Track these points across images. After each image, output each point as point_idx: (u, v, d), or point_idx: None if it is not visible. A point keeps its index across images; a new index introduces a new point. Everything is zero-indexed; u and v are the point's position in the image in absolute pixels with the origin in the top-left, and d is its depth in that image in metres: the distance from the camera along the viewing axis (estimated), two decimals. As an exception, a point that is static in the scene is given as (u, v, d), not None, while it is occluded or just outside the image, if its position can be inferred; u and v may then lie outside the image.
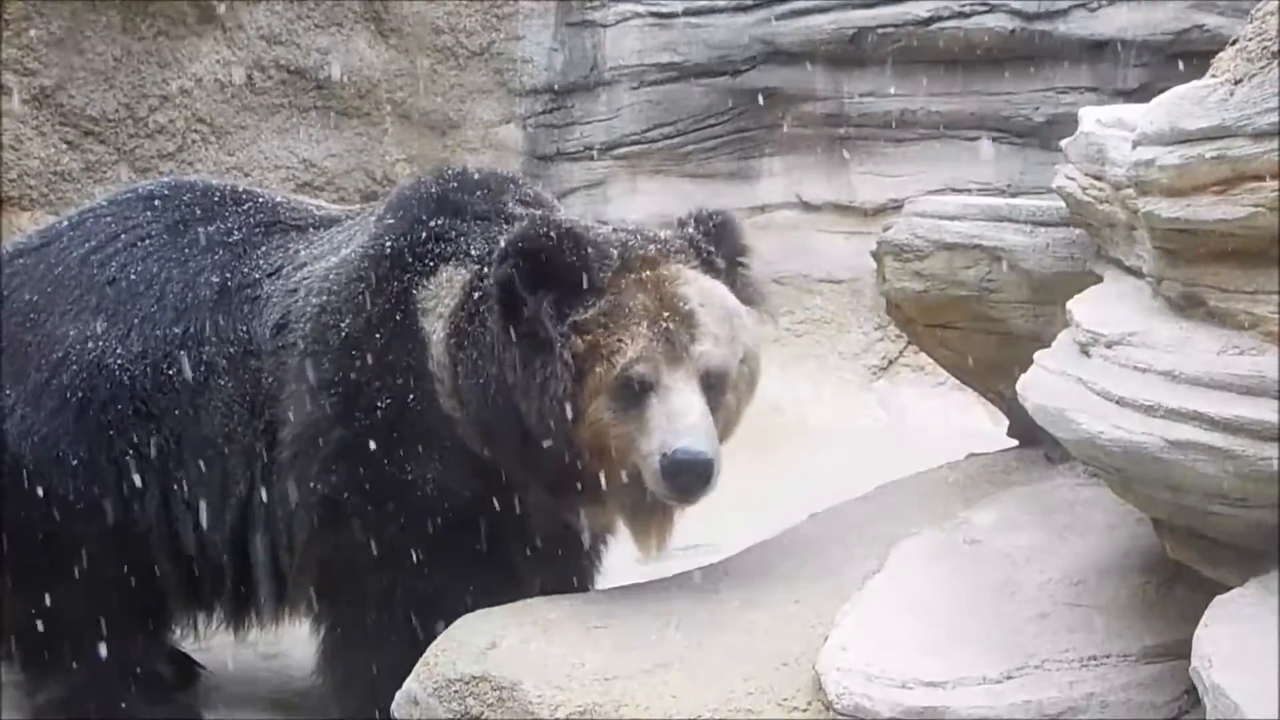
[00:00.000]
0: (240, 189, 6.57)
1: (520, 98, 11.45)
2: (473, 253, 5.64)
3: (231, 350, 5.94)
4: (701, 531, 8.17)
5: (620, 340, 5.18)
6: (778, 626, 4.68)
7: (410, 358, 5.56)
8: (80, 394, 5.97)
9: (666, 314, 5.25)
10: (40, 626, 5.98)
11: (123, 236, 6.22)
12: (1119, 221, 4.59)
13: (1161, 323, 4.03)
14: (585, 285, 5.25)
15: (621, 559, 7.20)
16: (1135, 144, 4.03)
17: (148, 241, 6.20)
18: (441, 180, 5.95)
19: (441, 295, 5.62)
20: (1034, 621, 4.38)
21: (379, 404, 5.54)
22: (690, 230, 5.76)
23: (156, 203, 6.33)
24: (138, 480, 5.93)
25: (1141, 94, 10.77)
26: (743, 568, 5.36)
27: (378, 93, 10.83)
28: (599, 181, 11.82)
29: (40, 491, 5.89)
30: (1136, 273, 4.41)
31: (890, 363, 11.90)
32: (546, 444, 5.23)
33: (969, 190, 10.82)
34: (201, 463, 5.88)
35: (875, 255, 5.96)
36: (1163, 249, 4.03)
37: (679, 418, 5.11)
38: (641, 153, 11.94)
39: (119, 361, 5.99)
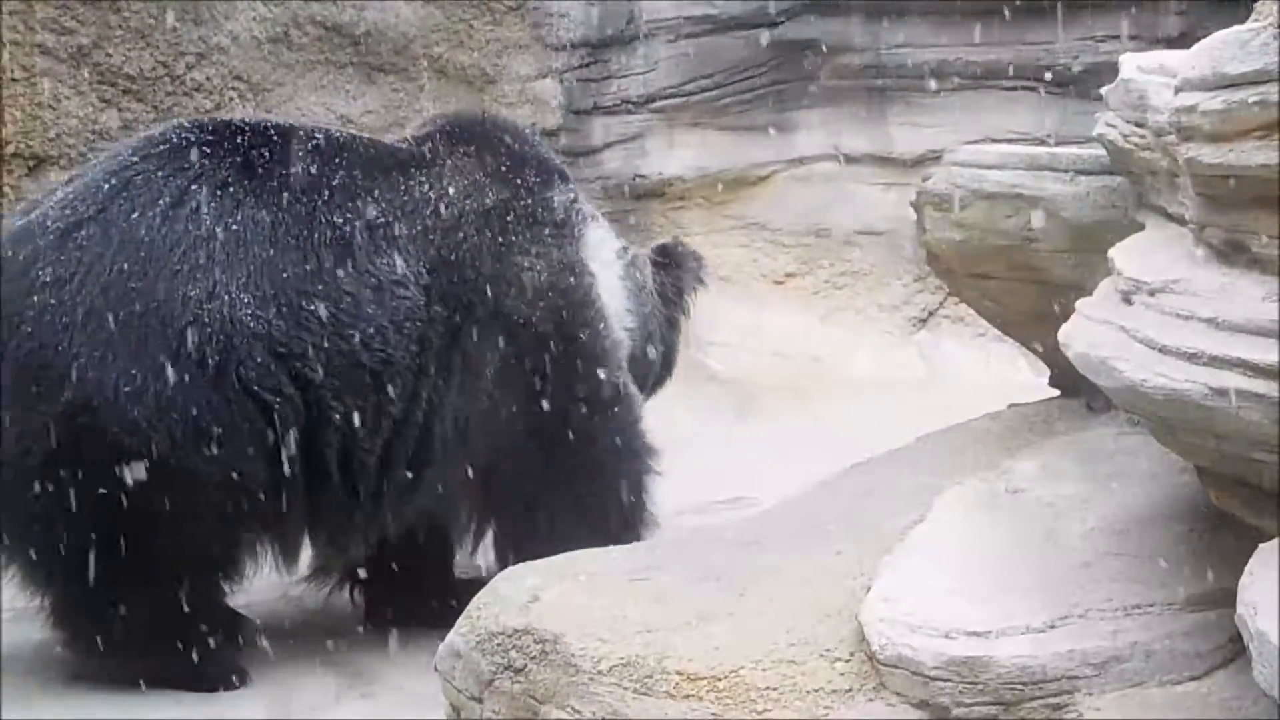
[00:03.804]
0: (273, 122, 6.82)
1: (557, 52, 11.41)
2: (587, 212, 7.19)
3: (375, 282, 6.37)
4: (742, 484, 8.24)
5: None
6: (820, 578, 4.68)
7: (589, 296, 6.91)
8: (217, 356, 6.07)
9: None
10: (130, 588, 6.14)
11: (198, 188, 6.24)
12: (1160, 169, 4.57)
13: (1204, 270, 4.01)
14: None
15: (662, 512, 7.25)
16: (1177, 90, 4.00)
17: (232, 189, 6.28)
18: (523, 138, 7.22)
19: (598, 253, 7.07)
20: (1077, 570, 4.37)
21: (580, 335, 6.79)
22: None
23: (206, 149, 6.36)
24: (279, 422, 6.20)
25: (1182, 41, 10.66)
26: (784, 520, 5.36)
27: (414, 48, 10.81)
28: (636, 135, 11.79)
29: (177, 464, 6.02)
30: (1179, 220, 4.38)
31: (930, 314, 11.88)
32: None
33: (1008, 140, 10.77)
34: (351, 391, 6.30)
35: (914, 206, 5.94)
36: (1205, 195, 4.00)
37: None
38: (679, 106, 11.90)
39: (249, 310, 6.12)
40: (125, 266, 6.08)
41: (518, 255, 6.74)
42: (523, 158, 7.04)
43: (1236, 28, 3.95)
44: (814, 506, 5.42)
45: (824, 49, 12.00)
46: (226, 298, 6.12)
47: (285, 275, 6.23)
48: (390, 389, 6.37)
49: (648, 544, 6.01)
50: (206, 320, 6.08)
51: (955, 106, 12.01)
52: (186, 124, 6.63)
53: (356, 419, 6.33)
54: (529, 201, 6.88)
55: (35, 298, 6.04)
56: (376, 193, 6.51)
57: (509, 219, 6.77)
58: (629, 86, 11.76)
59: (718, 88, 11.98)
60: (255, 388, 6.15)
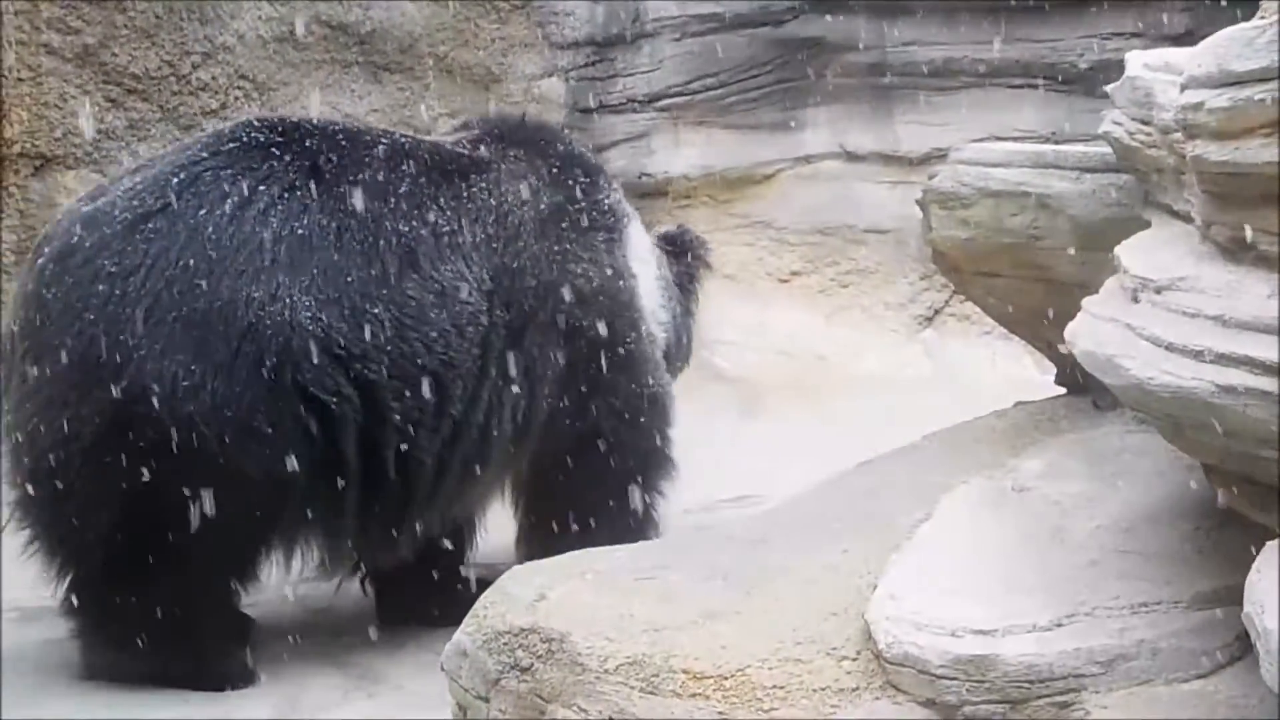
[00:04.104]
0: (341, 125, 7.00)
1: (562, 50, 11.42)
2: (628, 211, 7.48)
3: (439, 288, 6.50)
4: (748, 483, 8.24)
5: None
6: (826, 576, 4.68)
7: (634, 298, 7.24)
8: (274, 358, 6.13)
9: None
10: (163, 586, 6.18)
11: (265, 189, 6.32)
12: (1167, 166, 4.56)
13: (1210, 267, 4.00)
14: None
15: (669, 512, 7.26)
16: (1183, 87, 3.99)
17: (299, 192, 6.37)
18: (564, 139, 7.62)
19: (639, 252, 7.39)
20: (1084, 569, 4.37)
21: (627, 338, 7.10)
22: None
23: (275, 149, 6.44)
24: (337, 423, 6.29)
25: (1187, 39, 10.67)
26: (790, 518, 5.36)
27: (419, 47, 10.81)
28: (642, 134, 11.78)
29: (225, 461, 6.07)
30: (1185, 217, 4.38)
31: (936, 312, 11.87)
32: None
33: (1014, 138, 10.76)
34: (412, 393, 6.40)
35: (920, 204, 5.93)
36: (1211, 193, 4.00)
37: None
38: (684, 104, 11.89)
39: (310, 313, 6.18)
40: (190, 263, 6.13)
41: (573, 262, 6.97)
42: (570, 159, 7.32)
43: (1242, 25, 3.95)
44: (820, 505, 5.42)
45: (829, 47, 12.00)
46: (289, 300, 6.18)
47: (349, 280, 6.31)
48: (451, 391, 6.50)
49: (654, 543, 6.02)
50: (268, 322, 6.14)
51: (961, 104, 12.00)
52: (256, 122, 6.69)
53: (417, 420, 6.44)
54: (582, 204, 7.15)
55: (101, 286, 6.09)
56: (441, 200, 6.64)
57: (564, 225, 7.02)
58: (634, 85, 11.75)
59: (723, 86, 11.96)
60: (312, 389, 6.21)
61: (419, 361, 6.40)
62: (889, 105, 12.15)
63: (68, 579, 6.38)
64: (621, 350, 7.06)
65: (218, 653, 6.37)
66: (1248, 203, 3.85)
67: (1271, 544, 3.73)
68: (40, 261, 6.27)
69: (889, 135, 12.14)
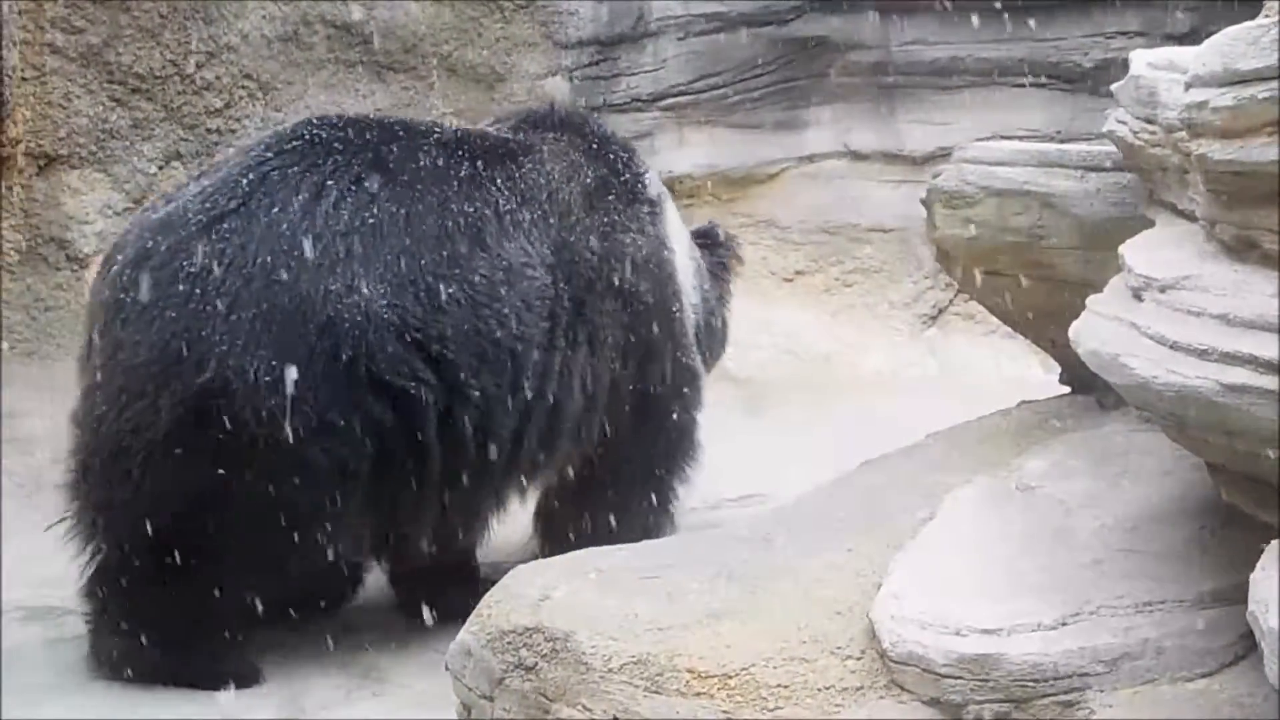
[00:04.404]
0: (394, 119, 7.51)
1: (566, 50, 11.41)
2: (662, 189, 7.78)
3: (506, 264, 6.66)
4: (754, 481, 8.24)
5: None
6: (831, 575, 4.68)
7: (675, 271, 7.50)
8: (351, 350, 6.26)
9: None
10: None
11: (333, 183, 6.46)
12: (1171, 165, 4.56)
13: (1215, 266, 4.00)
14: None
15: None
16: (1188, 86, 3.99)
17: (366, 183, 6.52)
18: (595, 121, 7.93)
19: (674, 229, 7.65)
20: (1088, 568, 4.36)
21: (673, 307, 7.41)
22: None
23: (338, 145, 6.61)
24: (417, 408, 6.40)
25: (1191, 38, 10.66)
26: (795, 517, 5.36)
27: (423, 46, 10.82)
28: (646, 133, 11.76)
29: (302, 453, 6.17)
30: (1189, 216, 4.38)
31: (941, 311, 11.86)
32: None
33: (1019, 137, 10.76)
34: (489, 370, 6.56)
35: (925, 203, 5.94)
36: (1216, 192, 4.00)
37: None
38: (688, 103, 11.89)
39: (385, 301, 6.34)
40: (267, 260, 6.23)
41: (622, 233, 7.22)
42: (605, 138, 7.62)
43: (1247, 24, 3.95)
44: (825, 504, 5.42)
45: (834, 46, 12.00)
46: (365, 290, 6.30)
47: (423, 263, 6.45)
48: (525, 366, 6.65)
49: (659, 542, 6.01)
50: (345, 315, 6.25)
51: (965, 103, 11.99)
52: (316, 121, 6.85)
53: (493, 398, 6.58)
54: (626, 178, 7.43)
55: (180, 286, 6.18)
56: (499, 181, 6.82)
57: (611, 198, 7.27)
58: (638, 84, 11.74)
59: (727, 85, 11.96)
60: (388, 378, 6.32)
61: (494, 338, 6.55)
62: (893, 104, 12.14)
63: (103, 566, 6.40)
64: (669, 318, 7.35)
65: (227, 651, 6.42)
66: (1252, 202, 3.85)
67: (1275, 543, 3.73)
68: (115, 269, 6.36)
69: (893, 134, 12.13)
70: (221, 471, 6.08)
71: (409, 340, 6.36)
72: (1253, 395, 3.61)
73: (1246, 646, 4.00)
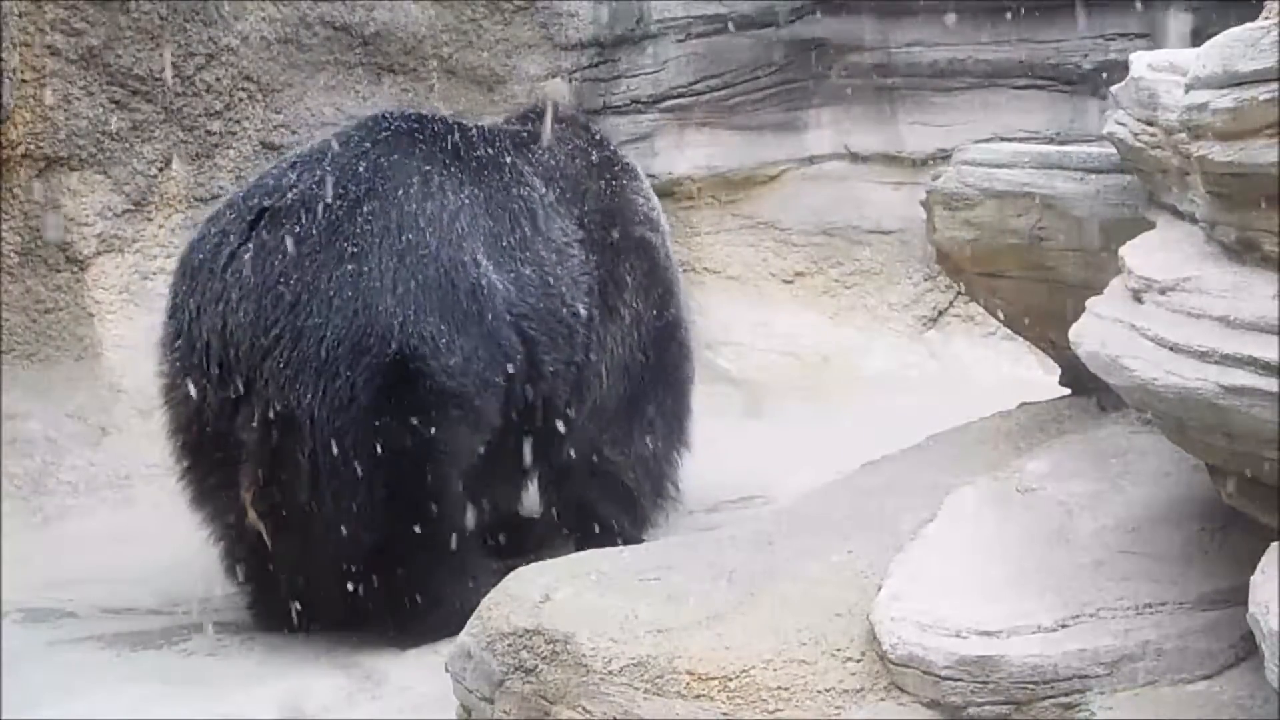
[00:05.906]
0: (443, 114, 8.29)
1: (566, 51, 11.40)
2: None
3: (555, 244, 7.27)
4: (753, 483, 8.24)
5: None
6: (831, 576, 4.69)
7: (661, 226, 8.15)
8: (491, 313, 6.78)
9: None
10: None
11: (430, 169, 6.92)
12: (1171, 167, 4.56)
13: (1215, 268, 4.01)
14: None
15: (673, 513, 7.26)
16: (1188, 88, 4.00)
17: (452, 169, 7.03)
18: (580, 114, 8.90)
19: (650, 191, 8.29)
20: (1089, 569, 4.37)
21: (672, 254, 8.17)
22: None
23: (420, 136, 7.11)
24: (518, 376, 6.94)
25: (1192, 40, 10.68)
26: (795, 519, 5.36)
27: (423, 48, 10.80)
28: (646, 135, 11.76)
29: (480, 408, 6.75)
30: (1190, 218, 4.38)
31: (940, 313, 11.86)
32: None
33: (1019, 138, 10.75)
34: (556, 343, 7.12)
35: (925, 205, 5.94)
36: (1216, 193, 4.00)
37: None
38: (689, 105, 11.88)
39: (497, 275, 6.88)
40: (410, 238, 6.65)
41: (629, 192, 7.92)
42: (594, 129, 8.41)
43: (1247, 25, 3.96)
44: (825, 506, 5.42)
45: (834, 48, 12.00)
46: (484, 263, 6.84)
47: (505, 244, 7.03)
48: (575, 339, 7.22)
49: (659, 544, 6.01)
50: (483, 280, 6.78)
51: (965, 105, 11.99)
52: (390, 115, 7.31)
53: (558, 369, 7.14)
54: (623, 157, 8.24)
55: (349, 266, 6.50)
56: (530, 168, 7.43)
57: (616, 168, 7.97)
58: (638, 86, 11.73)
59: (727, 87, 11.95)
60: (502, 342, 6.82)
61: (558, 313, 7.14)
62: (893, 106, 12.14)
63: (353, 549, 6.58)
64: (669, 257, 8.10)
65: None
66: (1252, 203, 3.86)
67: (1275, 545, 3.73)
68: (249, 256, 6.54)
69: (893, 136, 12.13)
70: (429, 428, 6.48)
71: (511, 313, 6.87)
72: (1253, 397, 3.61)
73: (1247, 648, 4.00)
